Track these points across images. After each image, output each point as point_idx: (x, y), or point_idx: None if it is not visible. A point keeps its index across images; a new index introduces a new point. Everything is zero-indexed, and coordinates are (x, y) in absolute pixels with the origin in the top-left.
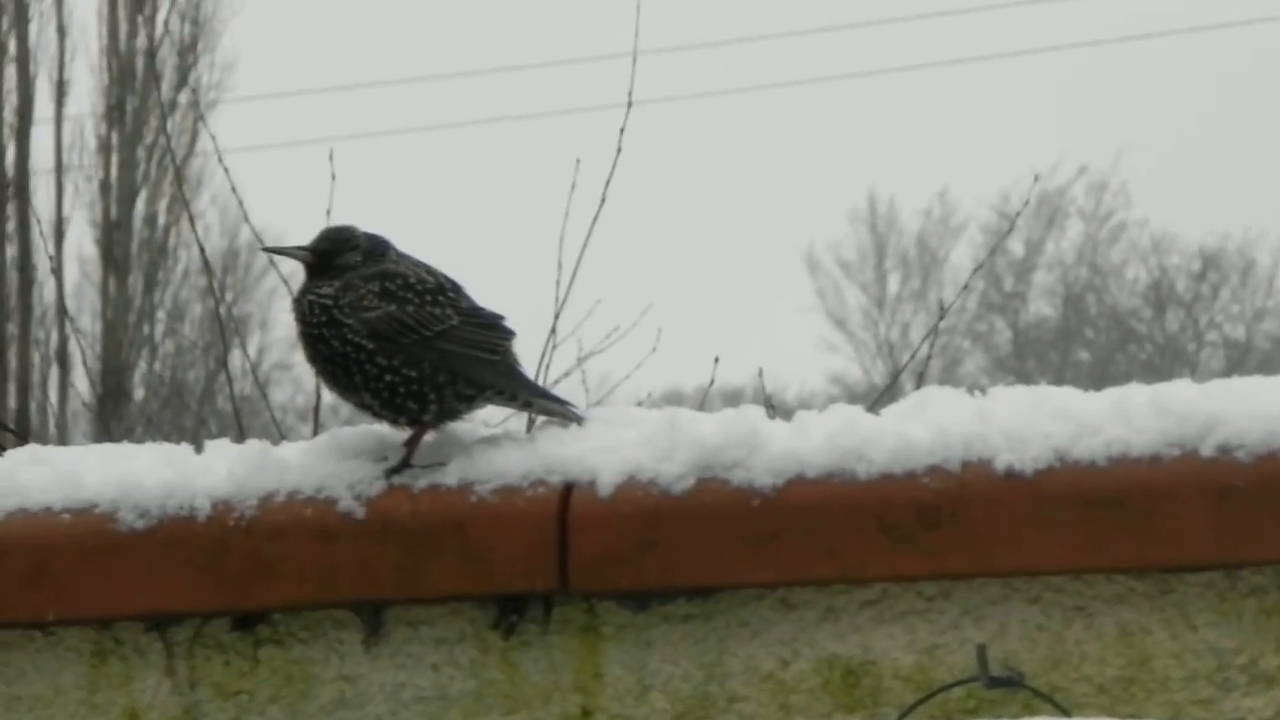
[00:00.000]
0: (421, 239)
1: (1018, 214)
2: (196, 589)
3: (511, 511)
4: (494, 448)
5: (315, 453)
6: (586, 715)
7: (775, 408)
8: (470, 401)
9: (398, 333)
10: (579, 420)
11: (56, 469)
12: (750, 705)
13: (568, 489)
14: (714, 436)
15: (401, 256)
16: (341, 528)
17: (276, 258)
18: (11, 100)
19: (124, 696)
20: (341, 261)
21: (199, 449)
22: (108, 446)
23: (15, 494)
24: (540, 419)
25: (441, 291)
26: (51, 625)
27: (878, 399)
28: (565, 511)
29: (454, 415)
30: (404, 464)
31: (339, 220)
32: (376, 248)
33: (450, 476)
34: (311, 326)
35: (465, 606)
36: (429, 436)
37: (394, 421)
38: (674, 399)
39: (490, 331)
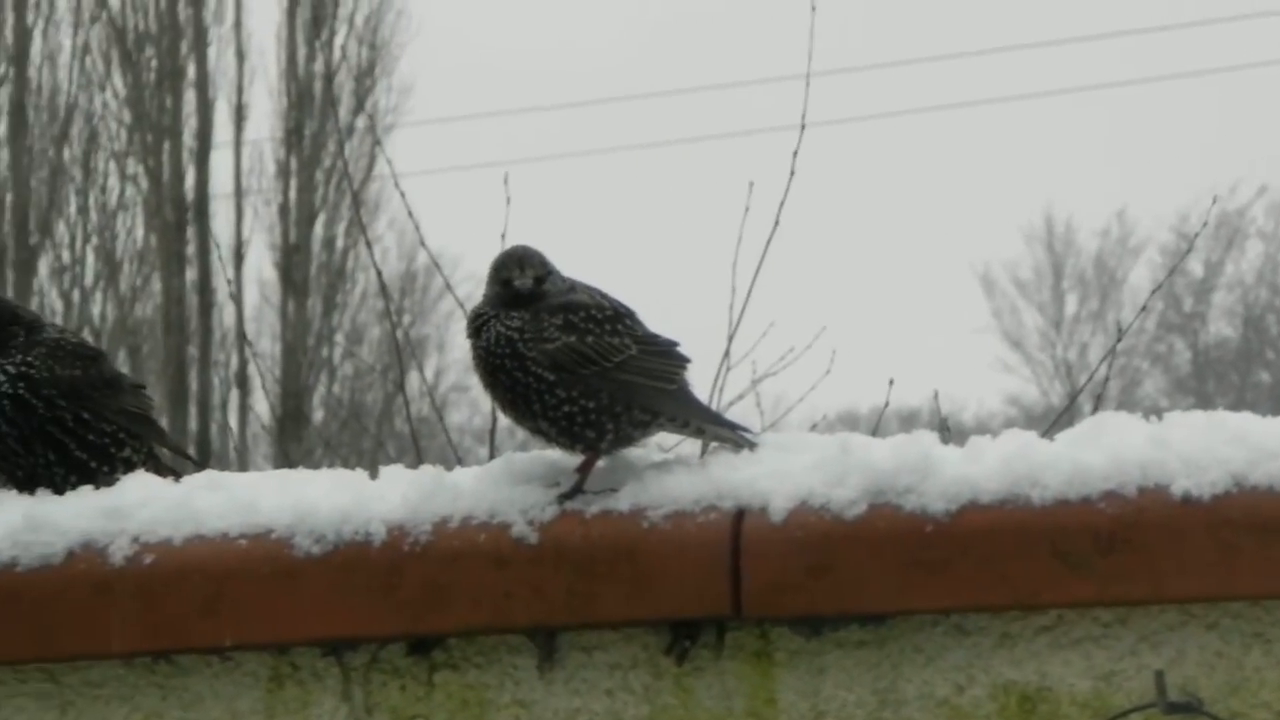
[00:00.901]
0: (595, 263)
1: (1196, 234)
2: (372, 614)
3: (684, 537)
4: (666, 473)
5: (488, 478)
6: None
7: (951, 429)
8: (645, 428)
9: (577, 364)
10: (751, 446)
11: (233, 495)
12: None
13: (740, 514)
14: (886, 462)
15: (568, 279)
16: (515, 553)
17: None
18: (191, 125)
19: None
20: (549, 287)
21: (374, 474)
22: (283, 472)
23: (192, 520)
24: (713, 444)
25: (619, 320)
26: (229, 650)
27: (1055, 421)
28: (738, 537)
29: (629, 442)
30: (577, 489)
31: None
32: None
33: (623, 502)
34: (495, 356)
35: (638, 632)
36: (601, 462)
37: (569, 448)
38: (849, 421)
39: (666, 359)
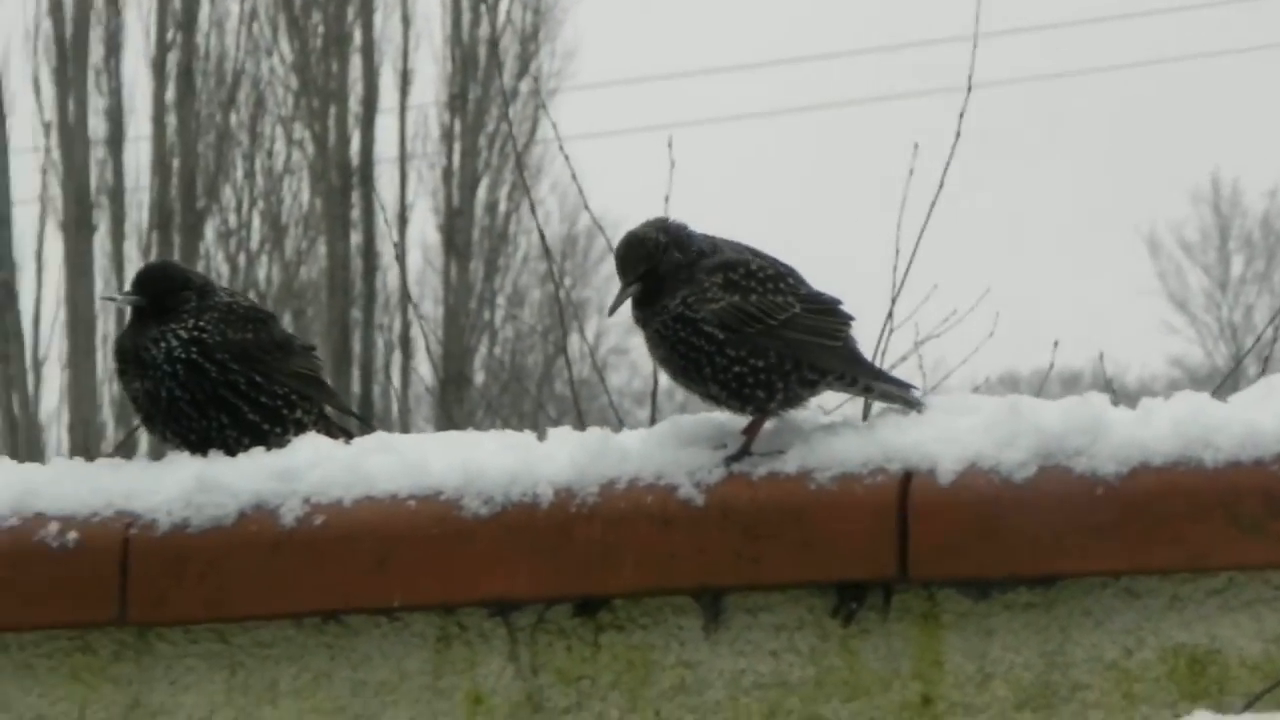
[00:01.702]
0: (758, 225)
1: None
2: (539, 575)
3: (851, 499)
4: (833, 435)
5: (655, 440)
6: (927, 703)
7: (1116, 392)
8: (813, 387)
9: (742, 323)
10: (919, 405)
11: (403, 456)
12: (1093, 694)
13: (907, 476)
14: (1056, 424)
15: (707, 238)
16: (681, 515)
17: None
18: (357, 90)
19: (468, 681)
20: (664, 268)
21: (541, 436)
22: (452, 434)
23: (363, 481)
24: (878, 405)
25: (781, 278)
26: (397, 611)
27: (1221, 383)
28: (905, 499)
29: (797, 402)
30: (743, 452)
31: (676, 211)
32: (679, 236)
33: (789, 464)
34: (669, 337)
35: (804, 593)
36: (768, 425)
37: (740, 410)
38: (1009, 383)
39: (831, 317)
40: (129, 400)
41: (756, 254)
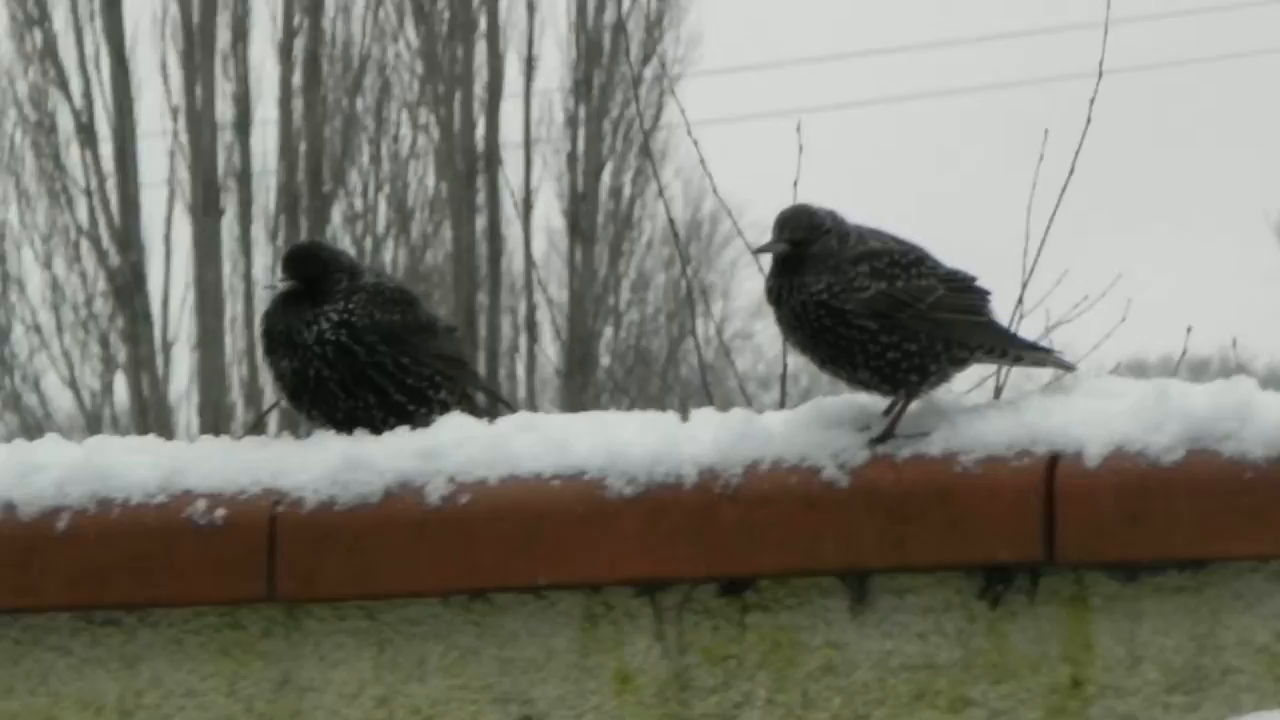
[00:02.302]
0: (885, 211)
1: None
2: (684, 555)
3: (996, 482)
4: (978, 417)
5: (798, 422)
6: (1077, 686)
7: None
8: (963, 364)
9: (894, 309)
10: (1071, 368)
11: (546, 436)
12: (1245, 678)
13: (1054, 459)
14: (1204, 407)
15: (858, 228)
16: (825, 496)
17: (761, 252)
18: (482, 76)
19: (615, 660)
20: (818, 249)
21: (684, 416)
22: (594, 414)
23: (507, 461)
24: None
25: (921, 262)
26: (543, 589)
27: None
28: (1051, 482)
29: (947, 380)
30: (888, 434)
31: (804, 196)
32: (840, 225)
33: (934, 446)
34: (810, 320)
35: (951, 575)
36: (913, 406)
37: (890, 394)
38: (1137, 369)
39: (971, 294)
40: (275, 379)
41: (895, 239)
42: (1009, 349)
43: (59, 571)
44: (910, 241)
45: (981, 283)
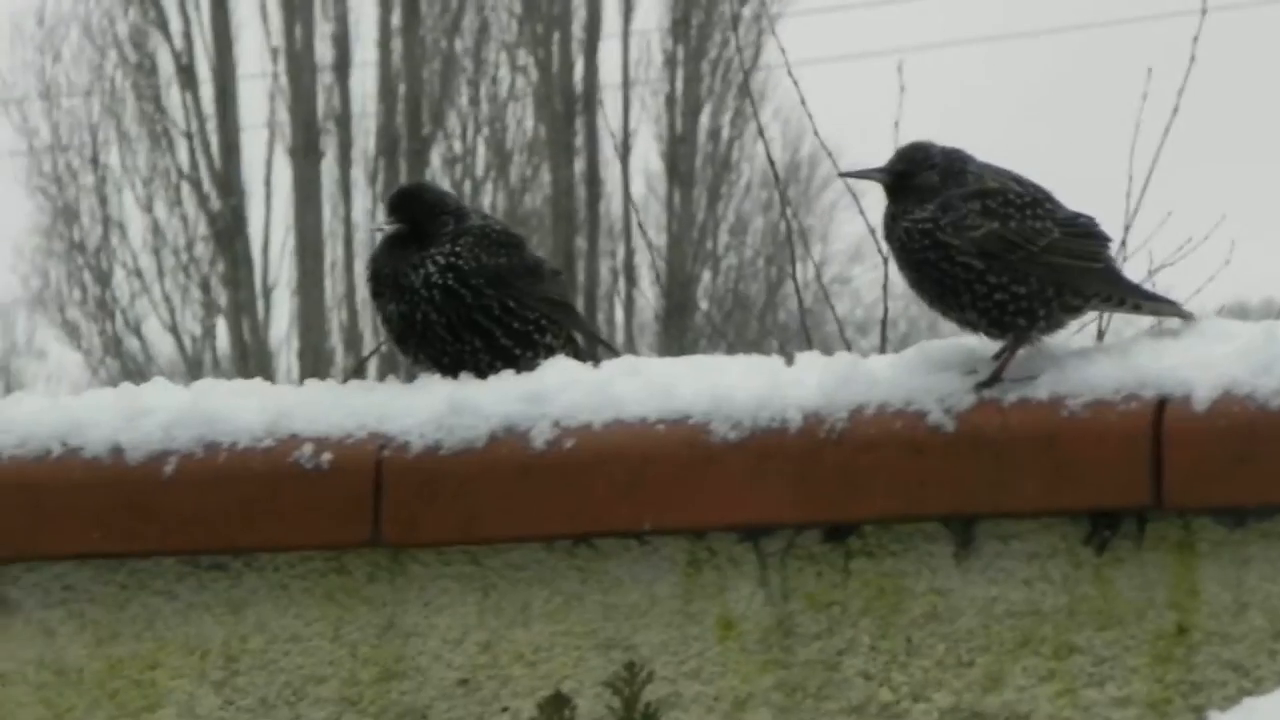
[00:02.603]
0: (986, 151)
1: None
2: (788, 501)
3: (1103, 426)
4: (1085, 361)
5: (904, 366)
6: (1182, 632)
7: None
8: (1076, 312)
9: (1004, 250)
10: (1190, 317)
11: (650, 380)
12: None
13: (1161, 403)
14: None
15: (983, 167)
16: (931, 441)
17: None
18: (580, 16)
19: (718, 606)
20: (920, 182)
21: (788, 360)
22: (698, 358)
23: (611, 405)
24: (1125, 328)
25: (1038, 204)
26: (647, 534)
27: None
28: (1159, 426)
29: (1059, 327)
30: (995, 378)
31: (913, 135)
32: (954, 164)
33: (1041, 390)
34: (914, 252)
35: (1056, 521)
36: (1021, 350)
37: (999, 337)
38: (1238, 313)
39: (1090, 240)
40: (382, 322)
41: (1018, 179)
42: (1127, 298)
43: (166, 516)
44: (1034, 183)
45: (1103, 227)
